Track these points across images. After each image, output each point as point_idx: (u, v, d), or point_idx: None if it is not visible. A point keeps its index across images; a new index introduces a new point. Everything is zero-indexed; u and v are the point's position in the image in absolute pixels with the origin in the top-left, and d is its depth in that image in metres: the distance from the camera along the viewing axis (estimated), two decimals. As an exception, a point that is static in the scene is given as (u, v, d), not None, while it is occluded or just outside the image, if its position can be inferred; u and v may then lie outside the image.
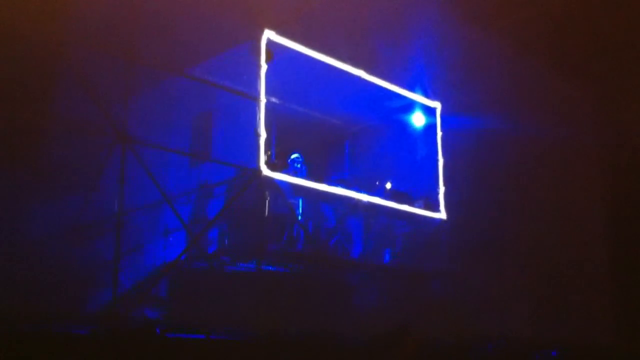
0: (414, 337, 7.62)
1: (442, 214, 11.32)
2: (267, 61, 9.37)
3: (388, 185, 11.24)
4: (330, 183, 10.15)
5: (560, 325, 13.06)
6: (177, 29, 9.28)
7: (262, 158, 9.04)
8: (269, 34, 9.40)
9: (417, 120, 11.99)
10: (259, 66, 9.28)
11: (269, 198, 9.26)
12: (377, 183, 11.26)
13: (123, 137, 8.09)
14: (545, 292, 13.21)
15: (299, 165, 10.29)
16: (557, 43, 13.89)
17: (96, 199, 8.52)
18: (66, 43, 8.17)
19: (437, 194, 11.39)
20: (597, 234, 15.09)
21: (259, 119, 9.11)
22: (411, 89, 11.61)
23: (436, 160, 11.59)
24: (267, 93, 9.29)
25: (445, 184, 11.47)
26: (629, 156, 15.23)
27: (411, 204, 11.06)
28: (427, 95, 11.84)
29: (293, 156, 10.37)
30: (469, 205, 11.83)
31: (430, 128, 11.86)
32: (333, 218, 10.33)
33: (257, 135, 9.05)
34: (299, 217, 9.85)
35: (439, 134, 11.76)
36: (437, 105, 11.88)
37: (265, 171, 9.03)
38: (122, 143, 8.10)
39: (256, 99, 9.16)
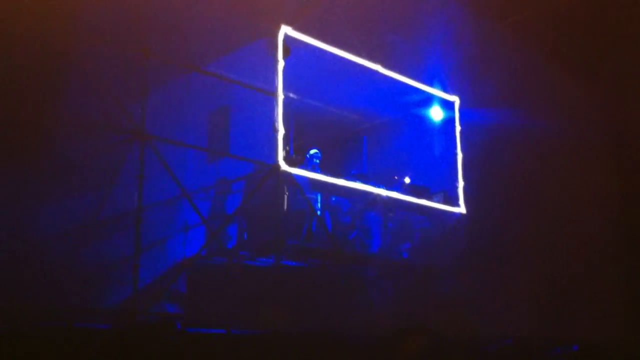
0: (425, 336, 7.60)
1: (461, 208, 11.24)
2: (284, 57, 9.35)
3: (407, 180, 11.18)
4: (348, 178, 10.11)
5: (571, 323, 12.97)
6: (193, 25, 9.30)
7: (281, 153, 9.02)
8: (285, 30, 9.37)
9: (435, 114, 11.92)
10: (276, 61, 9.26)
11: (287, 193, 9.25)
12: (395, 177, 11.20)
13: (141, 133, 8.10)
14: (556, 289, 13.13)
15: (317, 161, 10.27)
16: (571, 40, 13.85)
17: (113, 196, 8.53)
18: (81, 40, 8.20)
19: (456, 188, 11.31)
20: (608, 232, 15.00)
21: (277, 114, 9.09)
22: (429, 83, 11.54)
23: (454, 154, 11.50)
24: (285, 88, 9.26)
25: (463, 178, 11.39)
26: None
27: (430, 198, 10.99)
28: (445, 89, 11.76)
29: (312, 152, 10.35)
30: (485, 200, 11.76)
31: (448, 122, 11.78)
32: (349, 213, 10.30)
33: (275, 131, 9.03)
34: (318, 212, 9.82)
35: (458, 128, 11.68)
36: (455, 99, 11.80)
37: (284, 166, 9.00)
38: (139, 139, 8.11)
39: (274, 94, 9.13)
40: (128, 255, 8.10)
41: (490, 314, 11.34)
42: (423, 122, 12.00)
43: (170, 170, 8.24)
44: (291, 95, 10.15)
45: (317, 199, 10.07)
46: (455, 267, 11.14)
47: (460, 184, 11.34)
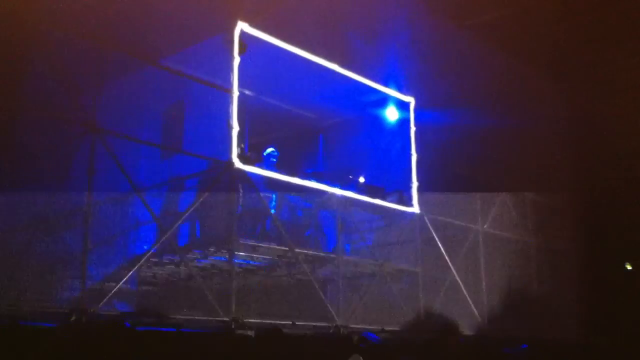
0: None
1: (415, 208, 11.34)
2: (240, 53, 9.28)
3: (361, 180, 11.22)
4: (304, 177, 10.10)
5: (529, 321, 13.19)
6: (149, 20, 9.15)
7: (235, 150, 8.95)
8: (242, 26, 9.30)
9: (391, 114, 11.99)
10: (232, 58, 9.18)
11: (241, 191, 9.18)
12: (350, 177, 11.23)
13: (93, 128, 7.94)
14: (511, 288, 13.34)
15: (274, 160, 10.22)
16: (529, 38, 14.05)
17: (64, 191, 8.34)
18: (35, 30, 7.99)
19: (410, 188, 11.40)
20: (567, 231, 15.29)
21: (232, 111, 9.02)
22: (385, 83, 11.61)
23: (409, 155, 11.59)
24: (241, 85, 9.20)
25: (418, 179, 11.49)
26: (601, 150, 15.48)
27: (384, 198, 11.06)
28: (400, 90, 11.84)
29: (268, 150, 10.29)
30: (440, 200, 11.88)
31: (403, 122, 11.87)
32: (305, 212, 10.29)
33: (230, 128, 8.96)
34: (272, 211, 9.79)
35: (413, 128, 11.77)
36: (410, 99, 11.89)
37: (238, 164, 8.94)
38: (92, 133, 7.95)
39: (229, 90, 9.06)
40: (78, 252, 7.93)
41: (443, 313, 11.46)
42: (379, 122, 12.06)
43: (122, 166, 8.09)
44: (247, 92, 10.08)
45: (272, 198, 10.04)
46: (410, 265, 11.24)
47: (415, 184, 11.43)
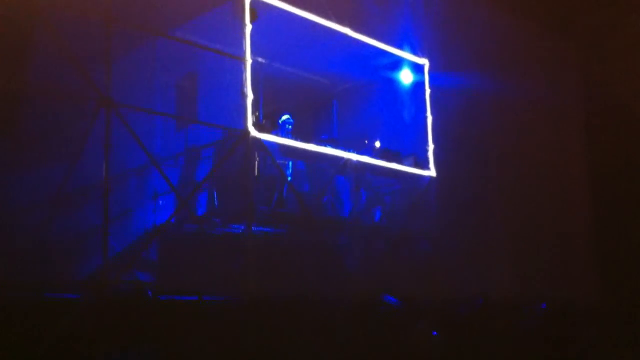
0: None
1: (431, 172, 11.30)
2: (251, 20, 9.21)
3: (377, 144, 11.18)
4: (319, 143, 10.08)
5: (544, 283, 13.19)
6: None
7: (250, 119, 8.94)
8: (252, -8, 9.23)
9: (405, 77, 11.88)
10: (243, 25, 9.12)
11: (258, 159, 9.20)
12: (365, 142, 11.19)
13: (107, 101, 7.96)
14: (529, 250, 13.31)
15: (289, 127, 10.19)
16: (542, 1, 13.86)
17: (81, 166, 8.40)
18: (44, 7, 7.98)
19: (426, 151, 11.35)
20: (579, 192, 15.22)
21: (245, 79, 8.99)
22: (399, 45, 11.47)
23: (424, 118, 11.51)
24: (253, 53, 9.15)
25: (433, 142, 11.42)
26: (613, 115, 15.31)
27: (400, 162, 11.02)
28: (414, 52, 11.71)
29: (284, 117, 10.25)
30: (455, 164, 11.82)
31: (418, 85, 11.76)
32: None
33: (244, 96, 8.94)
34: (289, 178, 9.80)
35: (427, 91, 11.67)
36: (424, 62, 11.76)
37: (253, 132, 8.94)
38: (106, 107, 7.97)
39: (241, 58, 9.02)
40: (98, 225, 8.01)
41: (461, 276, 11.48)
42: (393, 85, 11.95)
43: (138, 137, 8.12)
44: (259, 59, 10.03)
45: (289, 165, 10.04)
46: (426, 229, 11.23)
47: (431, 147, 11.37)
